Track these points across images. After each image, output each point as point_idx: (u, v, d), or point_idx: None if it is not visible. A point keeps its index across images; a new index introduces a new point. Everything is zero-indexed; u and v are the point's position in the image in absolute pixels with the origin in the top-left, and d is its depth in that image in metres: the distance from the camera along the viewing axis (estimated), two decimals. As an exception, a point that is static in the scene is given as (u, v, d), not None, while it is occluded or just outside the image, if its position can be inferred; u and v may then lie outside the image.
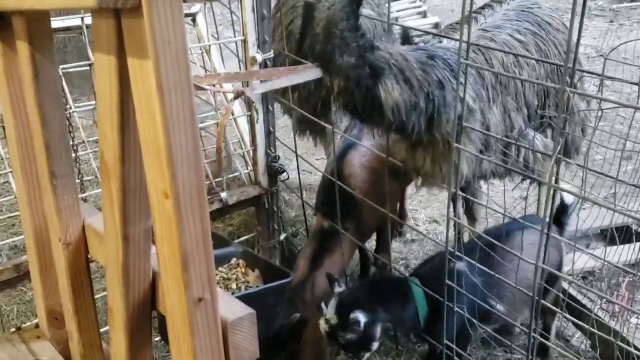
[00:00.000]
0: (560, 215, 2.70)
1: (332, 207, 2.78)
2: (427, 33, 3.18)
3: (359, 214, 2.89)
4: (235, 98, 2.54)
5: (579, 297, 3.02)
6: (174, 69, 0.98)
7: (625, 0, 10.36)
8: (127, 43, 1.02)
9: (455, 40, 2.39)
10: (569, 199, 2.64)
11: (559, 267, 2.62)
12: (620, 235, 3.22)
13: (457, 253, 2.16)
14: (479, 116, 2.39)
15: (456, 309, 2.25)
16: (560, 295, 2.55)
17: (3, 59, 1.63)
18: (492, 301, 2.32)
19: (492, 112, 2.47)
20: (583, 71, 2.76)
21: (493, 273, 2.11)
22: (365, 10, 3.16)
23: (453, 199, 3.55)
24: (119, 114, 1.16)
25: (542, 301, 1.94)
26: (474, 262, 2.15)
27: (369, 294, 2.48)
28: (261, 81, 2.50)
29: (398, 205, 4.13)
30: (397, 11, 10.28)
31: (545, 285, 2.26)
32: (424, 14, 10.28)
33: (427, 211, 4.46)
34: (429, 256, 3.14)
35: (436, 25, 9.81)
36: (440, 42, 2.61)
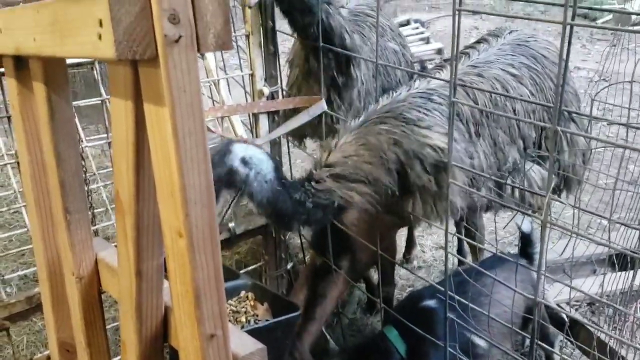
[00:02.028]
0: (526, 247, 2.74)
1: (326, 244, 2.80)
2: (413, 72, 3.25)
3: (353, 252, 2.91)
4: None
5: (584, 321, 3.03)
6: (189, 116, 1.02)
7: (628, 24, 10.46)
8: (144, 90, 1.06)
9: (441, 80, 2.48)
10: (527, 227, 2.68)
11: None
12: (623, 261, 3.24)
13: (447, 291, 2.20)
14: (460, 152, 2.44)
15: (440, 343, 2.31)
16: (545, 324, 2.58)
17: (19, 98, 1.68)
18: (472, 335, 2.36)
19: (474, 146, 2.51)
20: (571, 112, 2.79)
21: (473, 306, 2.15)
22: (390, 45, 3.23)
23: (458, 229, 3.57)
24: (135, 155, 1.20)
25: (538, 341, 1.96)
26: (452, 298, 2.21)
27: None
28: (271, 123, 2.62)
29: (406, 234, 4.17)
30: (401, 37, 10.37)
31: (526, 315, 2.31)
32: (427, 40, 10.38)
33: (433, 237, 4.48)
34: (403, 298, 3.22)
35: (439, 51, 9.91)
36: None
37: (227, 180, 2.16)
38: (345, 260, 2.88)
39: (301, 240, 3.59)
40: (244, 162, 2.17)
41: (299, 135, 3.14)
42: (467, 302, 2.13)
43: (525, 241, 2.73)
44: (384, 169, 2.34)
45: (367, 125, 2.41)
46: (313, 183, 2.32)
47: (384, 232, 2.72)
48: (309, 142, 3.59)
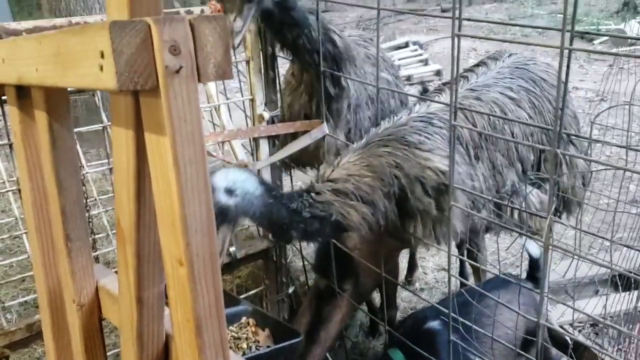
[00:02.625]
0: (533, 271, 2.73)
1: (329, 267, 2.78)
2: (414, 96, 3.25)
3: (357, 275, 2.89)
4: None
5: (588, 343, 3.01)
6: (189, 145, 1.03)
7: (625, 44, 10.55)
8: (145, 120, 1.07)
9: (441, 103, 2.50)
10: (535, 252, 2.68)
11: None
12: (627, 282, 3.23)
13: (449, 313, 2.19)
14: (462, 175, 2.44)
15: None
16: (547, 345, 2.56)
17: (21, 127, 1.69)
18: (475, 357, 2.34)
19: (474, 169, 2.52)
20: (570, 135, 2.80)
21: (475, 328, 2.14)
22: (383, 75, 3.25)
23: (460, 251, 3.57)
24: (136, 184, 1.20)
25: None
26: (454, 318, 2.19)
27: None
28: (269, 141, 2.61)
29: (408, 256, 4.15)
30: (400, 59, 10.49)
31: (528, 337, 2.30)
32: (425, 62, 10.49)
33: (435, 259, 4.47)
34: (403, 319, 3.19)
35: (438, 73, 10.00)
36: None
37: (221, 219, 2.13)
38: (349, 283, 2.86)
39: (304, 264, 3.58)
40: (229, 191, 2.15)
41: (286, 164, 3.16)
42: (469, 324, 2.12)
43: (534, 265, 2.72)
44: (384, 193, 2.35)
45: (371, 147, 2.44)
46: (312, 194, 2.34)
47: (387, 255, 2.71)
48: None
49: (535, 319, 1.85)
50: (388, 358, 2.55)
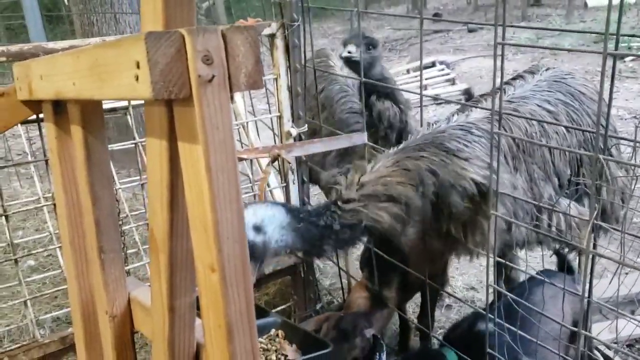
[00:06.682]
0: (562, 263, 2.75)
1: (379, 262, 2.78)
2: (460, 103, 3.25)
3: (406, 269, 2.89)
4: (273, 161, 2.65)
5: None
6: (221, 152, 1.05)
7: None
8: (178, 129, 1.10)
9: (486, 110, 2.48)
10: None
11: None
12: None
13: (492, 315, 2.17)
14: (505, 183, 2.42)
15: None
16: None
17: (57, 142, 1.75)
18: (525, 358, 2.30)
19: (515, 180, 2.50)
20: (615, 137, 2.76)
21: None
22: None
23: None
24: (169, 193, 1.23)
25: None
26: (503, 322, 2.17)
27: None
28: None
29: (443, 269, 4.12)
30: (427, 79, 10.51)
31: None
32: (452, 81, 10.49)
33: (464, 278, 4.42)
34: (457, 321, 3.14)
35: (466, 92, 9.98)
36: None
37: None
38: (397, 276, 2.86)
39: (340, 277, 3.55)
40: (257, 228, 2.13)
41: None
42: (519, 317, 2.10)
43: (562, 259, 2.77)
44: (417, 193, 2.34)
45: (406, 151, 2.44)
46: (340, 203, 2.32)
47: (434, 257, 2.71)
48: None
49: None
50: (442, 356, 2.51)
